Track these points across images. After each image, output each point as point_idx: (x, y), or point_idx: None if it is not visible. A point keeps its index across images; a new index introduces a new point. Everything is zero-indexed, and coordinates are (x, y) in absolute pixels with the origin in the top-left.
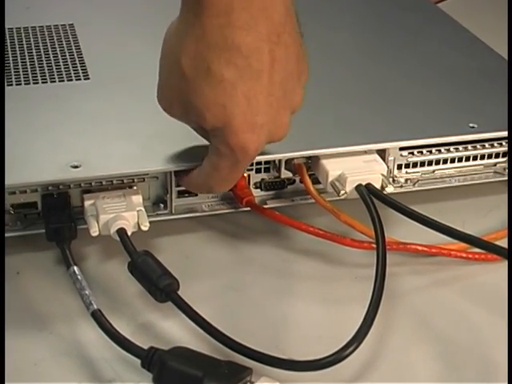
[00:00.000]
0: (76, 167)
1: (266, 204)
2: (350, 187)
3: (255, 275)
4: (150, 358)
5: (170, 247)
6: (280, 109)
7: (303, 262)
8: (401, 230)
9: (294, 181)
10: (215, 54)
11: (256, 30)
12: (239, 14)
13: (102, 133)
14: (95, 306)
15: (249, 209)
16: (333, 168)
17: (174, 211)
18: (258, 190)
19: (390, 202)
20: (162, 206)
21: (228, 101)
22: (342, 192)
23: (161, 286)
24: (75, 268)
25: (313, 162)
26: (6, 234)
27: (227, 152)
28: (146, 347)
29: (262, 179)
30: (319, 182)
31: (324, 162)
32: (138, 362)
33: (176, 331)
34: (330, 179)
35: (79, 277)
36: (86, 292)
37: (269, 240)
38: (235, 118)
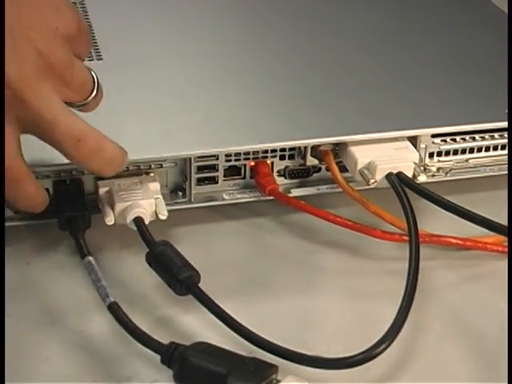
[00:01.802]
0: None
1: (289, 193)
2: (380, 176)
3: (278, 268)
4: (171, 354)
5: (188, 237)
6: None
7: (329, 254)
8: (432, 221)
9: (320, 168)
10: None
11: None
12: None
13: (118, 116)
14: (112, 299)
15: (272, 198)
16: (362, 155)
17: (193, 199)
18: (282, 177)
19: (424, 192)
20: (180, 193)
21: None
22: (372, 181)
23: (181, 278)
24: (90, 258)
25: (340, 149)
26: (16, 223)
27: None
28: (165, 342)
29: (286, 166)
30: (346, 170)
31: (352, 149)
32: (157, 357)
33: (196, 326)
34: (358, 167)
35: (94, 267)
36: (102, 283)
37: (292, 231)
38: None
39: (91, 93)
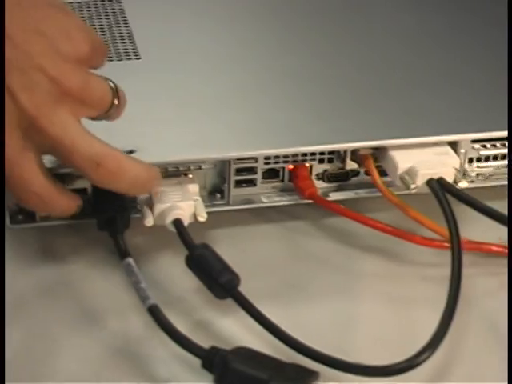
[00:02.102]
0: (131, 152)
1: (328, 196)
2: (421, 181)
3: (316, 272)
4: (212, 359)
5: (225, 240)
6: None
7: (367, 259)
8: (471, 228)
9: (359, 172)
10: None
11: None
12: None
13: (157, 117)
14: (152, 301)
15: (310, 201)
16: (402, 160)
17: (231, 202)
18: (320, 181)
19: (466, 199)
20: (218, 195)
21: None
22: (413, 186)
23: (221, 281)
24: (130, 260)
25: (380, 153)
26: (55, 222)
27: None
28: (204, 346)
29: (325, 170)
30: (385, 175)
31: (393, 153)
32: (195, 361)
33: (235, 330)
34: (399, 172)
35: (134, 269)
36: (142, 285)
37: (330, 235)
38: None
39: (112, 103)
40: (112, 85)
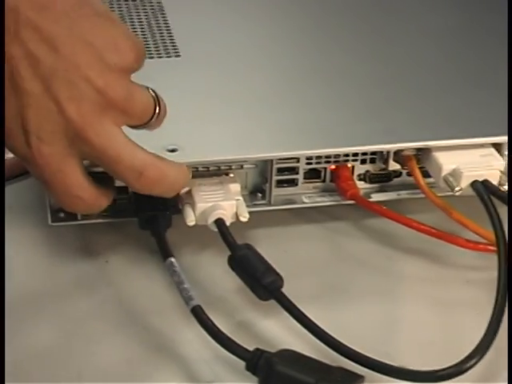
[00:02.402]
0: (173, 151)
1: (369, 197)
2: (465, 183)
3: (358, 273)
4: (256, 361)
5: (266, 240)
6: (50, 103)
7: (409, 261)
8: None
9: (401, 173)
10: None
11: None
12: None
13: (198, 115)
14: (196, 302)
15: (351, 202)
16: (447, 162)
17: (272, 202)
18: (362, 182)
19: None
20: (259, 195)
21: None
22: (457, 188)
23: (265, 283)
24: (173, 260)
25: (423, 155)
26: (96, 220)
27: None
28: (248, 348)
29: (367, 171)
30: (428, 176)
31: (437, 154)
32: (238, 363)
33: (277, 331)
34: (443, 174)
35: (177, 269)
36: (185, 286)
37: (372, 236)
38: (7, 142)
39: (153, 113)
40: (153, 94)
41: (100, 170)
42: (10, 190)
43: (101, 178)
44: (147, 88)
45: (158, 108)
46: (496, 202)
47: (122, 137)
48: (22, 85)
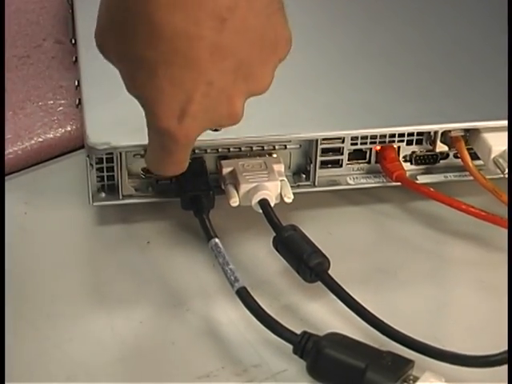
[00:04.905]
0: (216, 130)
1: (416, 179)
2: None
3: (405, 257)
4: (304, 345)
5: (310, 222)
6: (224, 97)
7: (458, 244)
8: None
9: (448, 155)
10: (132, 28)
11: (185, 11)
12: None
13: None
14: (241, 284)
15: (397, 184)
16: (496, 143)
17: (316, 183)
18: (408, 163)
19: None
20: (303, 176)
21: (148, 82)
22: (507, 170)
23: (311, 265)
24: (217, 241)
25: (472, 136)
26: (137, 200)
27: (154, 134)
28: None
29: (413, 152)
30: (476, 158)
31: (486, 135)
32: (285, 346)
33: (323, 314)
34: (492, 155)
35: (221, 250)
36: (231, 267)
37: (418, 219)
38: (156, 103)
39: None
40: None
41: None
42: (48, 171)
43: None
44: None
45: None
46: None
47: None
48: (207, 72)
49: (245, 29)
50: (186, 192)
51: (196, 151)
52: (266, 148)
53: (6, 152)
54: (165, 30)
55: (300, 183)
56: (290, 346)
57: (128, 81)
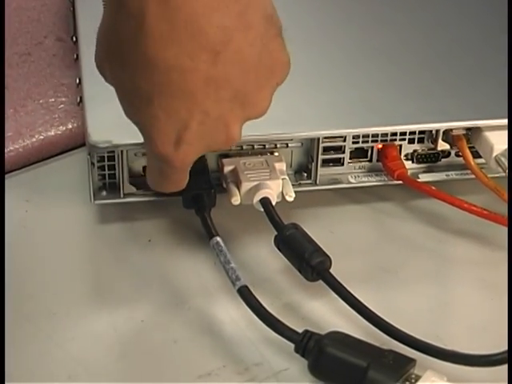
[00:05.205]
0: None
1: (417, 178)
2: None
3: (407, 256)
4: (306, 343)
5: (312, 220)
6: (220, 124)
7: (460, 243)
8: None
9: (449, 153)
10: (127, 59)
11: (179, 46)
12: (155, 22)
13: None
14: (242, 282)
15: (399, 182)
16: (498, 141)
17: (318, 181)
18: (409, 162)
19: None
20: (304, 175)
21: (144, 109)
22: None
23: (313, 263)
24: (218, 239)
25: (473, 134)
26: (139, 198)
27: (151, 158)
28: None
29: (415, 150)
30: (478, 156)
31: (488, 134)
32: (286, 344)
33: (325, 313)
34: (494, 154)
35: (223, 249)
36: (232, 266)
37: (420, 218)
38: (153, 129)
39: None
40: None
41: None
42: (49, 169)
43: None
44: None
45: None
46: None
47: None
48: (202, 102)
49: (239, 60)
50: (187, 190)
51: None
52: (267, 146)
53: (7, 149)
54: (159, 64)
55: (301, 181)
56: (292, 345)
57: (125, 106)
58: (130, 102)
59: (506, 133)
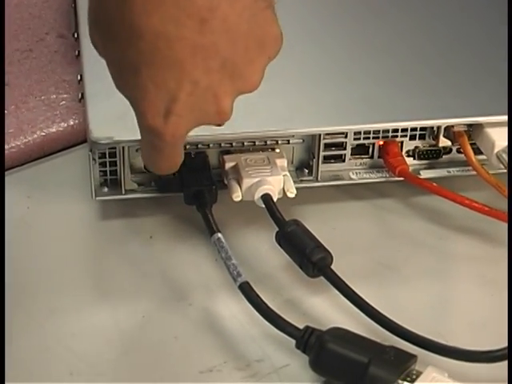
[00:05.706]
0: (219, 125)
1: (419, 174)
2: None
3: (408, 252)
4: (307, 339)
5: (313, 216)
6: (210, 95)
7: (461, 240)
8: None
9: (451, 150)
10: (114, 29)
11: (162, 13)
12: None
13: None
14: (244, 278)
15: (400, 179)
16: (499, 138)
17: (319, 178)
18: (411, 158)
19: None
20: (306, 171)
21: (132, 81)
22: None
23: (314, 259)
24: (219, 235)
25: (475, 131)
26: (140, 195)
27: (143, 132)
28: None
29: (416, 147)
30: (479, 153)
31: (489, 130)
32: (287, 340)
33: (326, 309)
34: (496, 150)
35: (224, 245)
36: (233, 262)
37: (421, 214)
38: (142, 101)
39: None
40: None
41: None
42: (51, 165)
43: None
44: None
45: None
46: None
47: None
48: (191, 72)
49: (227, 29)
50: (188, 187)
51: (199, 146)
52: (268, 143)
53: (9, 146)
54: (144, 32)
55: (303, 178)
56: (293, 341)
57: (115, 79)
58: (119, 73)
59: (506, 129)
